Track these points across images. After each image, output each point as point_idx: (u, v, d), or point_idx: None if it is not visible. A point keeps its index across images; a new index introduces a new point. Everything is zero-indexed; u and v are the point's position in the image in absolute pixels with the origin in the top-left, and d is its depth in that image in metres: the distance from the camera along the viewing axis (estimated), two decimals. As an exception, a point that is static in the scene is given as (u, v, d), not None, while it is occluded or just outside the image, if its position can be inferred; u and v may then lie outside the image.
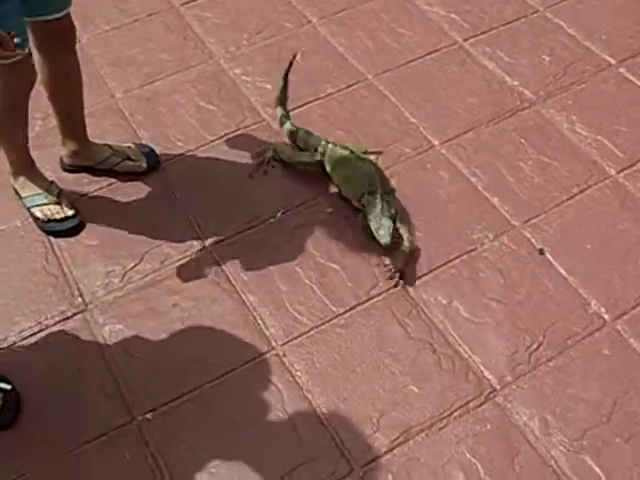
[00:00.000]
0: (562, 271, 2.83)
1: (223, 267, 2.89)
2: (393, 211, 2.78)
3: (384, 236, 2.70)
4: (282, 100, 3.27)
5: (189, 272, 2.89)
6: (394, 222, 2.76)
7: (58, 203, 2.99)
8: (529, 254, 2.87)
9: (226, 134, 3.34)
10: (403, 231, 2.81)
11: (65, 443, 2.49)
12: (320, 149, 3.05)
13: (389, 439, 2.47)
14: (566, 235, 2.93)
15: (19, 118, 2.81)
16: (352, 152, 2.98)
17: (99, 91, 3.49)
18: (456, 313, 2.72)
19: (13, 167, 2.97)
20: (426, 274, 2.85)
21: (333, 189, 3.09)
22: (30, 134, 2.91)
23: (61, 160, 3.17)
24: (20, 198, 3.02)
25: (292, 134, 3.17)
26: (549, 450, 2.43)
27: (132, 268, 2.92)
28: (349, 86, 3.46)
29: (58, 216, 2.97)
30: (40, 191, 2.99)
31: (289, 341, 2.71)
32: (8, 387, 2.55)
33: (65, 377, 2.65)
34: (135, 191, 3.14)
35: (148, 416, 2.56)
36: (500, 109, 3.34)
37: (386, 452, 2.46)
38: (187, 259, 2.94)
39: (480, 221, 2.99)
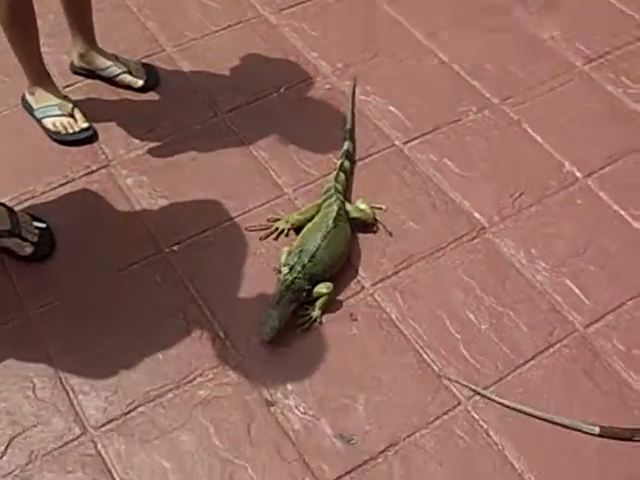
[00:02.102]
0: (539, 139, 3.16)
1: (235, 130, 3.16)
2: (291, 307, 2.59)
3: (264, 333, 2.57)
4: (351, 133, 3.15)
5: (204, 135, 3.16)
6: (282, 319, 2.56)
7: (72, 115, 3.06)
8: (509, 125, 3.20)
9: (229, 25, 3.59)
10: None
11: (97, 272, 2.76)
12: (326, 194, 2.87)
13: (394, 264, 2.77)
14: (541, 111, 3.27)
15: (27, 18, 2.88)
16: (335, 224, 2.74)
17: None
18: (446, 168, 3.03)
19: (29, 78, 2.99)
20: (417, 138, 3.17)
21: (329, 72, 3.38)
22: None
23: (72, 63, 3.26)
24: (32, 110, 3.09)
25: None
26: (534, 275, 2.74)
27: (150, 131, 3.13)
28: None
29: (70, 129, 3.05)
30: (54, 102, 3.05)
31: (299, 188, 2.98)
32: (43, 225, 2.78)
33: (93, 218, 2.91)
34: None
35: (174, 248, 2.82)
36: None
37: (392, 274, 2.75)
38: (202, 125, 3.17)
39: (464, 99, 3.30)
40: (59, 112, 3.07)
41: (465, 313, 2.65)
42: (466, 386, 2.48)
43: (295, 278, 2.56)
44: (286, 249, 2.70)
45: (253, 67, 3.41)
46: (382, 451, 2.36)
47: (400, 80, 3.36)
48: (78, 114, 3.08)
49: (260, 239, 2.80)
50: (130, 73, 3.21)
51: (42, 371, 2.51)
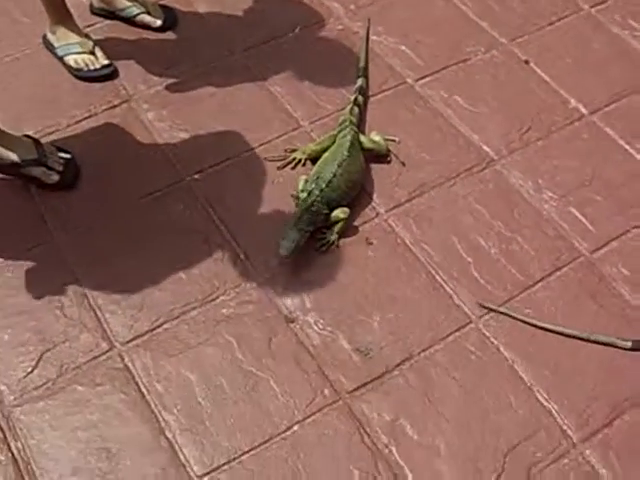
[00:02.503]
0: (545, 77, 3.25)
1: (251, 67, 3.28)
2: (309, 228, 2.67)
3: (282, 249, 2.61)
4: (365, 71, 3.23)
5: (221, 72, 3.29)
6: (301, 239, 2.64)
7: (92, 53, 3.13)
8: (516, 64, 3.29)
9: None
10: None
11: (121, 200, 2.87)
12: (341, 126, 2.96)
13: (407, 191, 2.89)
14: (547, 51, 3.35)
15: None
16: (349, 153, 2.84)
17: None
18: (456, 104, 3.13)
19: (51, 17, 3.07)
20: (428, 76, 3.26)
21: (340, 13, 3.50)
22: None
23: (91, 4, 3.35)
24: (53, 48, 3.15)
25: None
26: (542, 204, 2.85)
27: (169, 68, 3.26)
28: None
29: (92, 66, 3.12)
30: (76, 40, 3.12)
31: (315, 121, 3.10)
32: (68, 155, 2.89)
33: (116, 150, 3.02)
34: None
35: (196, 176, 2.92)
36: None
37: (405, 202, 2.87)
38: (219, 63, 3.31)
39: (472, 39, 3.39)
40: (80, 49, 3.15)
41: (475, 238, 2.75)
42: (503, 313, 2.62)
43: (314, 201, 2.66)
44: (303, 177, 2.80)
45: (267, 9, 3.49)
46: (398, 364, 2.47)
47: (411, 21, 3.45)
48: (99, 52, 3.16)
49: (278, 168, 2.90)
50: (149, 13, 3.30)
51: (70, 291, 2.62)
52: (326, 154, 2.84)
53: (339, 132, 2.90)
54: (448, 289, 2.58)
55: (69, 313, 2.56)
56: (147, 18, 3.31)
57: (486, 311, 2.59)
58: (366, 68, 3.21)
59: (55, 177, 2.78)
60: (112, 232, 2.75)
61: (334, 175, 2.72)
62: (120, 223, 2.80)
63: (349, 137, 2.85)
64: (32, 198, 2.84)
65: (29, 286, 2.62)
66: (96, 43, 3.15)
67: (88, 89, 3.16)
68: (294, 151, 2.91)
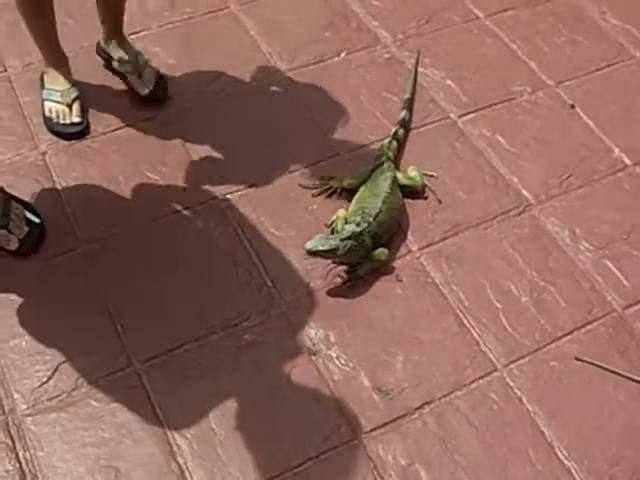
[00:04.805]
0: (590, 123, 3.20)
1: (292, 90, 3.32)
2: (342, 246, 2.63)
3: (310, 242, 2.59)
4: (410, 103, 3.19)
5: (260, 91, 3.33)
6: (331, 250, 2.60)
7: (69, 106, 2.98)
8: (562, 107, 3.24)
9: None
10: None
11: (151, 213, 2.86)
12: (378, 161, 2.94)
13: (441, 230, 2.84)
14: (594, 97, 3.30)
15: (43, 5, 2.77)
16: (392, 190, 2.83)
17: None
18: (498, 144, 3.09)
19: (45, 58, 2.98)
20: (471, 112, 3.21)
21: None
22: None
23: (98, 43, 3.19)
24: (41, 88, 3.05)
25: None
26: (577, 255, 2.79)
27: (209, 84, 3.29)
28: None
29: (62, 120, 2.98)
30: (60, 88, 2.99)
31: (354, 150, 3.14)
32: (37, 220, 2.71)
33: (148, 161, 3.03)
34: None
35: (229, 197, 2.91)
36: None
37: (439, 241, 2.82)
38: (259, 82, 3.36)
39: (519, 78, 3.35)
40: (59, 99, 2.99)
41: (507, 284, 2.70)
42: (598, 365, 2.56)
43: (361, 232, 2.65)
44: (341, 210, 2.79)
45: (314, 31, 3.46)
46: (418, 407, 2.43)
47: (458, 55, 3.41)
48: (76, 106, 2.99)
49: (313, 195, 2.87)
50: (140, 77, 3.09)
51: (92, 303, 2.59)
52: (363, 189, 2.82)
53: (376, 167, 2.87)
54: (475, 334, 2.53)
55: (89, 325, 2.53)
56: (135, 80, 3.11)
57: (512, 360, 2.55)
58: (411, 100, 3.16)
59: (14, 245, 2.63)
60: (140, 246, 2.74)
61: (380, 211, 2.69)
62: (149, 237, 2.78)
63: (388, 173, 2.83)
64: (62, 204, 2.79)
65: (51, 294, 2.60)
66: (78, 97, 3.00)
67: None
68: (331, 179, 2.85)
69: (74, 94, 2.97)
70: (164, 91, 3.10)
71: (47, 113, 2.97)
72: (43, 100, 2.98)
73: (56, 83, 2.98)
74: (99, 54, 3.16)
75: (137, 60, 3.03)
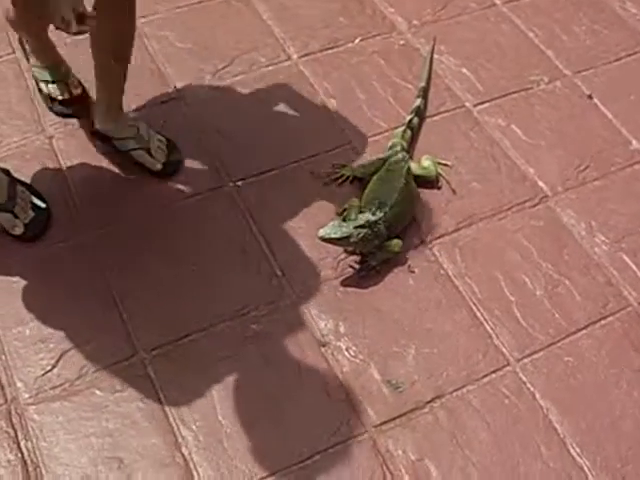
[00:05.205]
0: (608, 114, 3.13)
1: (306, 75, 3.25)
2: (356, 234, 2.58)
3: (324, 229, 2.55)
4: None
5: (274, 77, 3.25)
6: (344, 238, 2.56)
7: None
8: (579, 97, 3.18)
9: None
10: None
11: (159, 200, 2.81)
12: (391, 150, 2.89)
13: (455, 221, 2.78)
14: (612, 87, 3.24)
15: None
16: (407, 181, 2.77)
17: None
18: (514, 134, 3.03)
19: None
20: (487, 101, 3.16)
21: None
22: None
23: (92, 124, 2.80)
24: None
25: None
26: (592, 247, 2.73)
27: (223, 68, 3.21)
28: None
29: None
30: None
31: (366, 137, 3.06)
32: (42, 205, 2.67)
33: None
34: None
35: (239, 183, 2.85)
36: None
37: (452, 231, 2.76)
38: (273, 67, 3.26)
39: (536, 67, 3.28)
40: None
41: (521, 276, 2.65)
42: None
43: (379, 219, 2.60)
44: (355, 199, 2.74)
45: (328, 16, 3.41)
46: (428, 401, 2.38)
47: (474, 43, 3.35)
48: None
49: (324, 184, 2.78)
50: (149, 153, 2.80)
51: (97, 291, 2.55)
52: (376, 178, 2.76)
53: (389, 156, 2.81)
54: (488, 328, 2.47)
55: (94, 314, 2.48)
56: (146, 157, 2.81)
57: (526, 354, 2.49)
58: (427, 89, 3.11)
59: (19, 229, 2.58)
60: (148, 234, 2.68)
61: (395, 201, 2.64)
62: (156, 225, 2.73)
63: (403, 163, 2.78)
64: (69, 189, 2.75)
65: (56, 281, 2.56)
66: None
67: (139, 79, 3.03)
68: (343, 167, 2.79)
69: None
70: (178, 165, 2.88)
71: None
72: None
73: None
74: (93, 133, 2.87)
75: (141, 131, 2.78)
